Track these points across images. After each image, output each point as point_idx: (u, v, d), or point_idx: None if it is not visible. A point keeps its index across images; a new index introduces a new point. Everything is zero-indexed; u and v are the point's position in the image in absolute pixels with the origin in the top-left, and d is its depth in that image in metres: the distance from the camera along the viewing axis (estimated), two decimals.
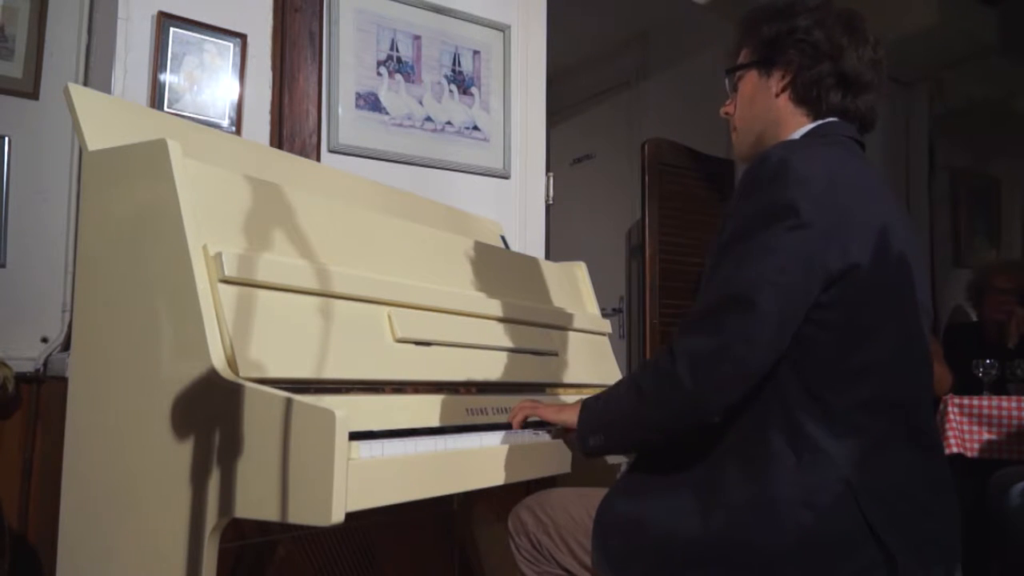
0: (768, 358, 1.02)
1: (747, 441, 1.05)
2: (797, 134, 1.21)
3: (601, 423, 1.20)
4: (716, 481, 1.07)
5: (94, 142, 1.27)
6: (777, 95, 1.23)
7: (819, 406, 1.04)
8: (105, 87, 1.86)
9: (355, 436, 1.05)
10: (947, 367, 2.77)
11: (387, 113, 2.28)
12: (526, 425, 1.38)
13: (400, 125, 2.30)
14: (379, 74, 2.27)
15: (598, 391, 1.26)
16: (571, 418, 1.26)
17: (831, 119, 1.21)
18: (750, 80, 1.27)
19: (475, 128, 2.45)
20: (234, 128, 2.00)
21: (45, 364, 1.92)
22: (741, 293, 1.02)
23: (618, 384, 1.20)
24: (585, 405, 1.24)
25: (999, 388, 2.54)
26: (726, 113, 1.34)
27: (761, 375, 1.03)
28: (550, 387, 1.71)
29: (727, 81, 1.32)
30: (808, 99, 1.21)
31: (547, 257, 2.59)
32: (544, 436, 1.36)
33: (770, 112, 1.24)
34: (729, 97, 1.32)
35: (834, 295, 1.03)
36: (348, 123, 2.20)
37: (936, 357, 2.81)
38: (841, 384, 1.04)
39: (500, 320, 1.61)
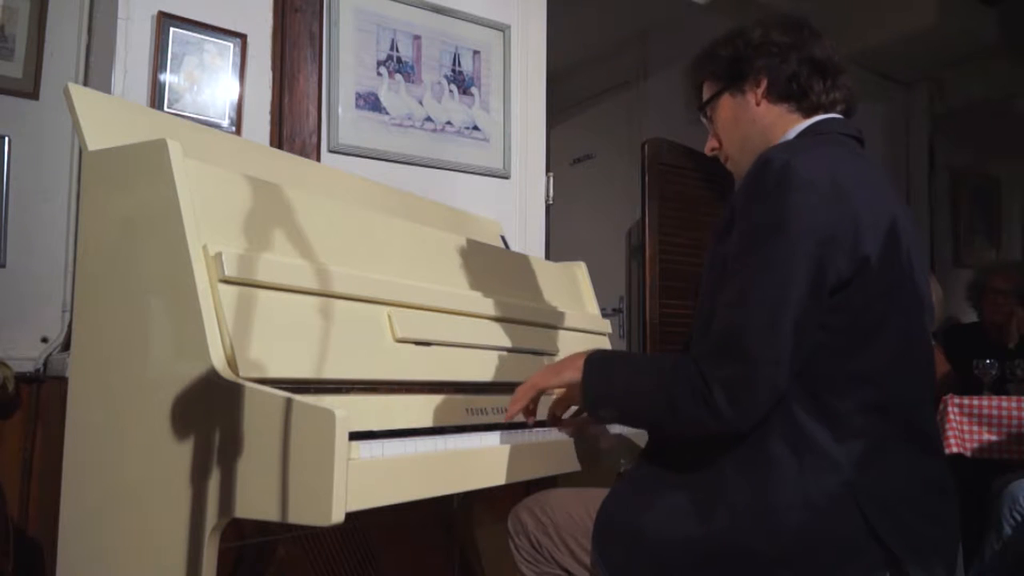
0: (792, 371, 1.02)
1: (748, 444, 1.05)
2: (792, 133, 1.20)
3: (616, 402, 1.18)
4: (717, 484, 1.06)
5: (94, 142, 1.27)
6: (758, 103, 1.23)
7: (821, 408, 1.04)
8: (105, 87, 1.86)
9: (355, 436, 1.05)
10: (943, 356, 2.78)
11: (387, 113, 2.27)
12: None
13: (400, 125, 2.30)
14: (379, 74, 2.27)
15: None
16: (573, 376, 1.22)
17: (825, 116, 1.21)
18: (725, 105, 1.27)
19: (475, 128, 2.45)
20: (234, 128, 2.00)
21: (45, 364, 1.92)
22: (761, 314, 1.01)
23: (639, 377, 1.16)
24: (591, 366, 1.20)
25: (999, 388, 2.54)
26: (713, 150, 1.33)
27: (786, 388, 1.03)
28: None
29: (703, 119, 1.32)
30: (791, 94, 1.21)
31: (547, 257, 2.59)
32: (543, 435, 1.36)
33: (756, 122, 1.24)
34: (709, 133, 1.32)
35: (842, 298, 1.03)
36: (348, 123, 2.20)
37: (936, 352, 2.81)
38: (844, 386, 1.04)
39: (500, 320, 1.61)
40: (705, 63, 1.31)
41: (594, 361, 1.22)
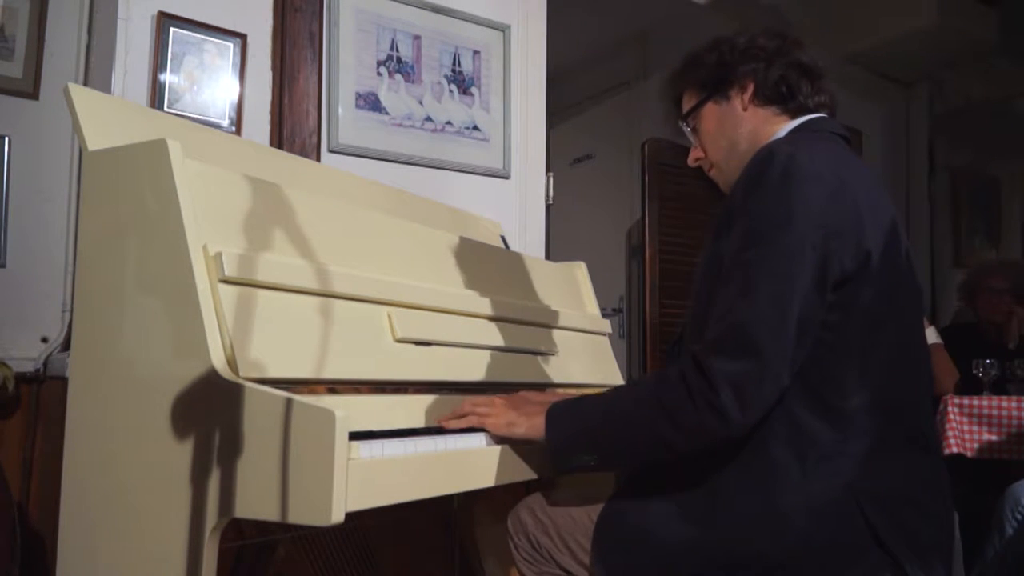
0: (795, 368, 1.01)
1: (749, 447, 1.04)
2: (782, 132, 1.20)
3: (594, 441, 1.12)
4: (719, 488, 1.06)
5: (94, 142, 1.26)
6: (745, 108, 1.23)
7: (823, 408, 1.03)
8: (105, 87, 1.86)
9: (355, 436, 1.04)
10: (952, 363, 2.78)
11: (387, 113, 2.27)
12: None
13: (400, 125, 2.30)
14: (379, 74, 2.27)
15: (597, 391, 1.22)
16: (533, 433, 1.17)
17: (814, 115, 1.21)
18: (710, 113, 1.26)
19: (475, 128, 2.45)
20: (234, 128, 2.00)
21: (45, 364, 1.92)
22: (770, 306, 0.99)
23: (619, 400, 1.13)
24: (554, 418, 1.15)
25: (999, 388, 2.54)
26: (696, 160, 1.32)
27: (787, 386, 1.01)
28: (549, 387, 1.71)
29: (686, 130, 1.31)
30: (779, 97, 1.21)
31: (547, 257, 2.59)
32: None
33: (743, 126, 1.23)
34: (693, 145, 1.32)
35: (844, 294, 1.03)
36: (348, 123, 2.20)
37: (941, 353, 2.80)
38: (846, 385, 1.04)
39: (500, 320, 1.61)
40: (689, 71, 1.30)
41: (555, 412, 1.15)
